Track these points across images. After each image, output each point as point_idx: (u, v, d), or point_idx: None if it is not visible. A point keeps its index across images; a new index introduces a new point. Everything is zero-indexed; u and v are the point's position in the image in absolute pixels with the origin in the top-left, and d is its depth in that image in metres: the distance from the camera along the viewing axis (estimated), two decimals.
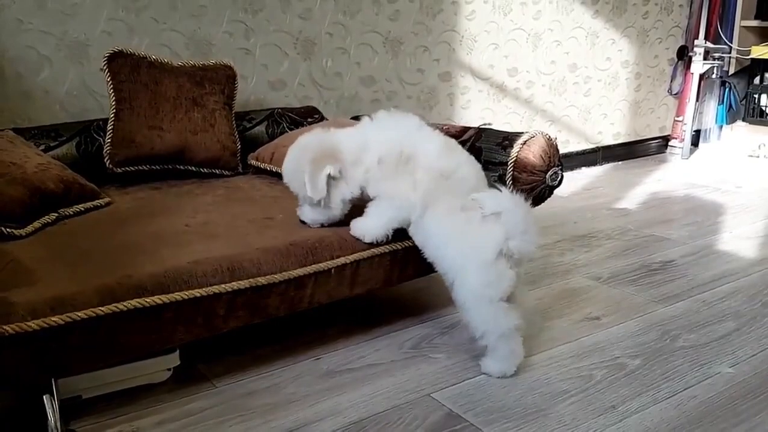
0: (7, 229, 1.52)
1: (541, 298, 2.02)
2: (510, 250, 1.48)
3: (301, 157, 1.57)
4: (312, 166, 1.53)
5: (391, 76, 2.93)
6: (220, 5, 2.39)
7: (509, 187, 1.85)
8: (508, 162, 1.85)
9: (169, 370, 1.54)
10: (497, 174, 1.88)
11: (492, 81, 3.31)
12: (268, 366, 1.61)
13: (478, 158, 1.93)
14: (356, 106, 2.84)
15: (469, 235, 1.51)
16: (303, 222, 1.63)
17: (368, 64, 2.84)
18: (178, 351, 1.53)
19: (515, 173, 1.85)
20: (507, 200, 1.51)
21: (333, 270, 1.53)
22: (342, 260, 1.55)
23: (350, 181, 1.57)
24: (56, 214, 1.66)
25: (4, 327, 1.13)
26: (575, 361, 1.65)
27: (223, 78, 2.15)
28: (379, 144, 1.56)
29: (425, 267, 1.70)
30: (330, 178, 1.54)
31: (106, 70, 2.00)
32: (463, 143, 1.99)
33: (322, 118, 2.47)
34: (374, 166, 1.55)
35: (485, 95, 3.29)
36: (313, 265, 1.50)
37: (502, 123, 3.34)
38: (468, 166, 1.63)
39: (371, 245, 1.59)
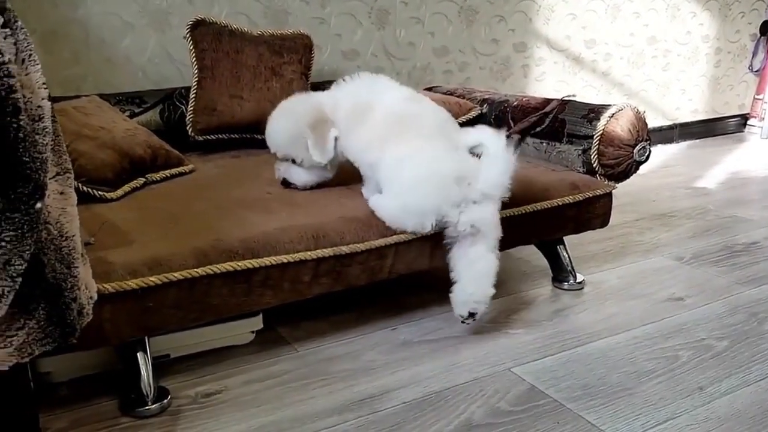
0: (99, 192, 1.57)
1: (622, 276, 1.96)
2: (486, 181, 1.44)
3: (296, 122, 1.57)
4: (315, 130, 1.54)
5: (465, 46, 2.88)
6: None
7: (594, 162, 1.81)
8: (593, 135, 1.80)
9: (252, 332, 1.57)
10: (581, 148, 1.83)
11: (568, 52, 3.21)
12: (346, 333, 1.62)
13: (561, 131, 1.89)
14: (428, 77, 2.80)
15: (430, 153, 1.46)
16: (289, 185, 1.63)
17: (442, 34, 2.80)
18: (261, 314, 1.55)
19: (601, 147, 1.79)
20: (487, 133, 1.49)
21: (413, 242, 1.52)
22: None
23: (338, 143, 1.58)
24: (144, 179, 1.70)
25: (105, 285, 1.16)
26: (660, 341, 1.60)
27: (301, 47, 2.15)
28: (345, 102, 1.58)
29: (506, 241, 1.67)
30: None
31: (189, 38, 2.02)
32: (545, 115, 1.95)
33: None
34: (343, 123, 1.56)
35: (561, 67, 3.20)
36: (394, 236, 1.49)
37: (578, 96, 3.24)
38: (435, 112, 1.58)
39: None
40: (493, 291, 1.52)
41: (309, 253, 1.39)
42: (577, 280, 1.89)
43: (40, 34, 2.00)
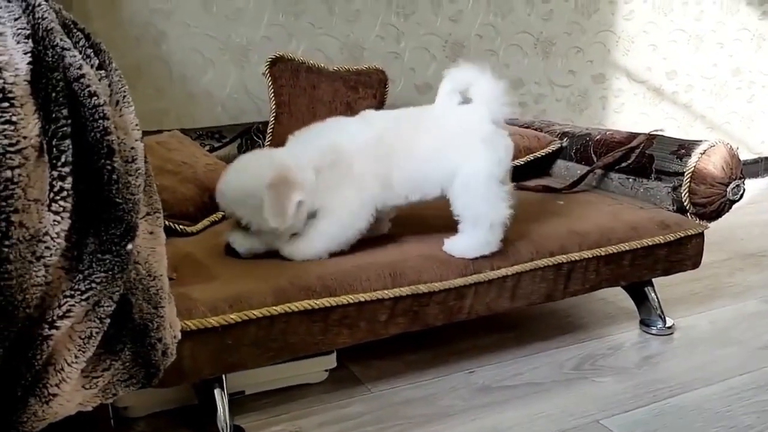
0: (180, 226, 1.58)
1: (714, 321, 1.84)
2: (497, 115, 1.41)
3: (251, 180, 1.33)
4: (274, 191, 1.31)
5: (541, 78, 2.83)
6: (375, 9, 2.40)
7: (685, 200, 1.71)
8: (684, 172, 1.71)
9: (326, 371, 1.54)
10: (671, 185, 1.74)
11: (648, 84, 3.11)
12: (420, 374, 1.57)
13: (649, 167, 1.81)
14: None
15: (452, 130, 1.40)
16: (232, 250, 1.40)
17: (517, 66, 2.76)
18: (335, 352, 1.53)
19: (693, 185, 1.70)
20: (474, 71, 1.42)
21: (493, 282, 1.47)
22: (503, 272, 1.48)
23: (302, 207, 1.36)
24: (222, 213, 1.71)
25: (186, 322, 1.16)
26: (759, 393, 1.48)
27: (376, 82, 2.15)
28: (307, 157, 1.37)
29: (592, 283, 1.60)
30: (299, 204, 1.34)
31: (268, 75, 2.05)
32: (631, 150, 1.87)
33: None
34: (313, 181, 1.36)
35: (641, 98, 3.10)
36: (474, 276, 1.44)
37: (651, 129, 3.12)
38: (404, 116, 1.47)
39: (533, 257, 1.51)
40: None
41: (386, 291, 1.35)
42: (667, 325, 1.79)
43: (124, 70, 2.03)
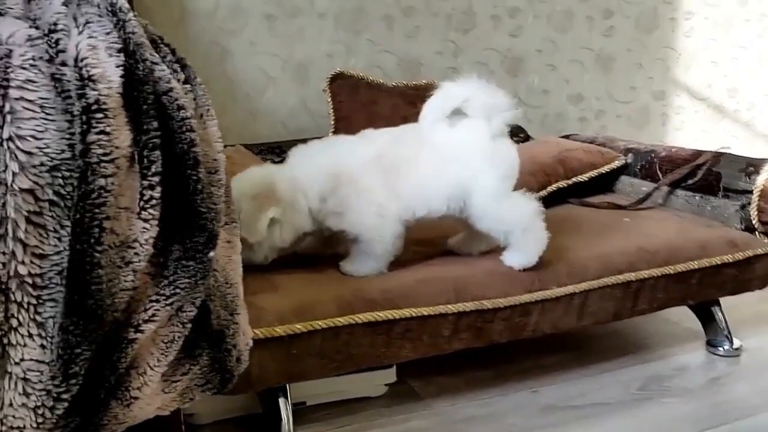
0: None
1: (762, 347, 1.77)
2: (498, 127, 1.41)
3: (238, 190, 1.31)
4: (248, 205, 1.33)
5: (601, 93, 2.79)
6: (434, 25, 2.41)
7: (754, 219, 1.66)
8: (753, 190, 1.66)
9: (386, 385, 1.54)
10: (739, 203, 1.69)
11: (709, 101, 3.03)
12: (482, 392, 1.55)
13: (716, 184, 1.76)
14: (561, 124, 2.73)
15: (452, 149, 1.39)
16: None
17: (577, 82, 2.73)
18: (394, 366, 1.52)
19: (761, 203, 1.65)
20: (471, 84, 1.42)
21: (560, 299, 1.45)
22: (570, 289, 1.46)
23: (285, 226, 1.38)
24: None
25: (255, 330, 1.18)
26: None
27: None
28: (309, 182, 1.38)
29: (659, 301, 1.56)
30: (271, 221, 1.35)
31: (328, 91, 2.09)
32: (698, 167, 1.83)
33: (527, 138, 2.39)
34: (319, 205, 1.38)
35: (701, 116, 3.03)
36: (539, 292, 1.42)
37: (718, 147, 3.04)
38: (406, 132, 1.46)
39: (601, 275, 1.49)
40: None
41: (450, 306, 1.35)
42: (734, 346, 1.73)
43: None
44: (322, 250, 1.52)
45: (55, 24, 0.84)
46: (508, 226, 1.40)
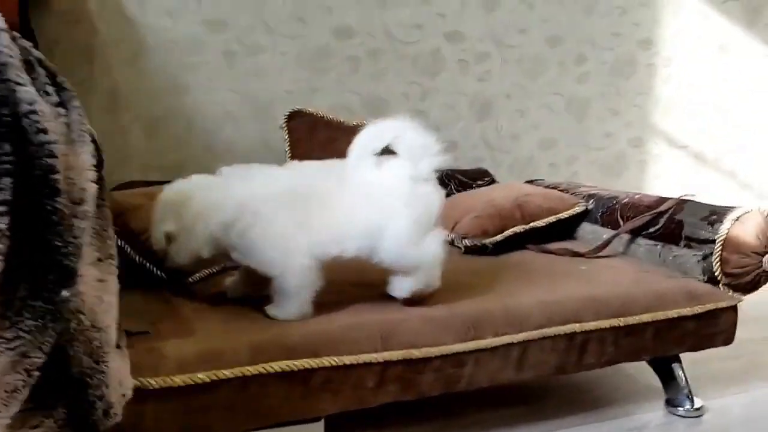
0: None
1: (749, 404, 1.67)
2: (424, 171, 1.34)
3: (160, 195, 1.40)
4: (158, 211, 1.37)
5: (573, 139, 2.73)
6: (401, 68, 2.38)
7: (717, 270, 1.58)
8: (715, 240, 1.58)
9: None
10: (701, 253, 1.61)
11: (690, 149, 2.97)
12: None
13: (678, 233, 1.68)
14: (531, 169, 2.67)
15: (370, 188, 1.33)
16: None
17: (548, 127, 2.68)
18: (323, 420, 1.42)
19: (724, 254, 1.56)
20: (398, 124, 1.35)
21: (497, 349, 1.35)
22: (507, 339, 1.36)
23: (181, 245, 1.35)
24: (223, 264, 1.65)
25: (150, 380, 1.09)
26: None
27: None
28: (215, 207, 1.32)
29: (609, 356, 1.47)
30: (167, 236, 1.34)
31: (285, 128, 2.04)
32: (659, 214, 1.76)
33: (492, 181, 2.33)
34: (221, 234, 1.31)
35: (681, 164, 2.96)
36: (474, 341, 1.33)
37: (701, 196, 2.97)
38: (329, 168, 1.40)
39: (543, 324, 1.40)
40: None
41: (375, 355, 1.26)
42: (695, 406, 1.62)
43: (144, 120, 2.08)
44: (253, 292, 1.44)
45: None
46: (412, 267, 1.34)
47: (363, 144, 1.34)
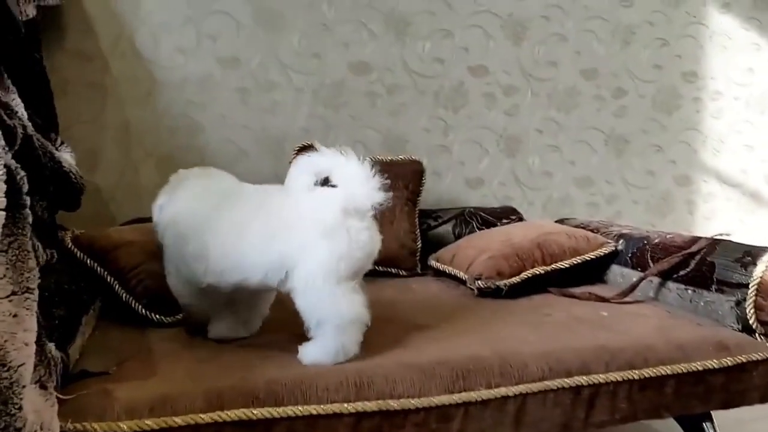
0: (156, 317, 1.48)
1: None
2: (356, 206, 1.23)
3: None
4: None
5: (613, 177, 2.57)
6: (421, 103, 2.30)
7: (751, 318, 1.40)
8: (749, 284, 1.40)
9: None
10: (734, 299, 1.43)
11: (744, 188, 2.75)
12: None
13: (709, 276, 1.51)
14: (568, 209, 2.52)
15: (292, 215, 1.24)
16: None
17: (585, 163, 2.53)
18: None
19: (759, 299, 1.39)
20: (333, 156, 1.28)
21: (489, 402, 1.21)
22: (503, 391, 1.22)
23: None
24: None
25: (93, 425, 1.01)
26: None
27: (409, 172, 2.02)
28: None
29: (623, 412, 1.30)
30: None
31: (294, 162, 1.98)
32: (690, 255, 1.59)
33: (520, 220, 2.20)
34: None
35: (735, 204, 2.74)
36: (463, 393, 1.20)
37: (755, 239, 2.73)
38: (251, 193, 1.38)
39: (545, 376, 1.25)
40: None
41: (347, 405, 1.14)
42: None
43: (157, 157, 2.07)
44: (230, 331, 1.37)
45: None
46: (322, 316, 1.21)
47: (296, 174, 1.27)
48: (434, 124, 2.33)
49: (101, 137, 2.02)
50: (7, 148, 0.86)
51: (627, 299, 1.67)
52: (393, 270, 1.95)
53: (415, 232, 2.00)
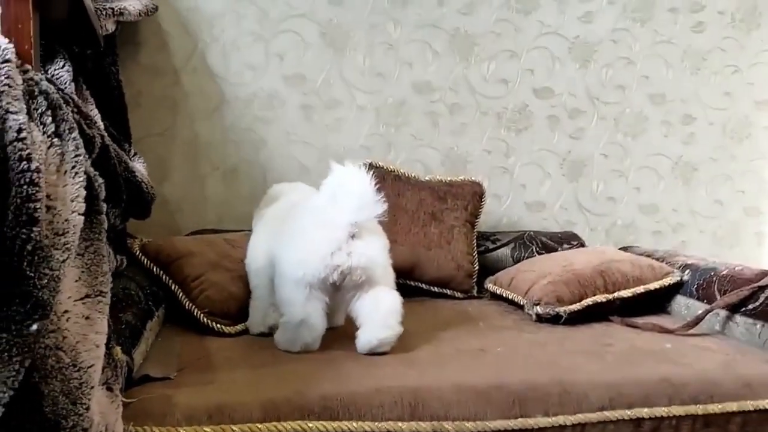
0: (218, 326, 1.51)
1: None
2: (357, 224, 1.38)
3: None
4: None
5: (680, 205, 2.49)
6: (483, 124, 2.30)
7: None
8: None
9: None
10: None
11: None
12: None
13: None
14: (632, 236, 2.45)
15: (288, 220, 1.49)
16: None
17: (650, 190, 2.46)
18: None
19: None
20: (349, 170, 1.43)
21: (546, 431, 1.19)
22: (560, 419, 1.20)
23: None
24: None
25: (154, 428, 1.04)
26: None
27: (469, 194, 2.01)
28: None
29: None
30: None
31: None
32: (760, 289, 1.53)
33: (581, 246, 2.15)
34: None
35: None
36: (519, 419, 1.18)
37: None
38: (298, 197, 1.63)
39: (604, 406, 1.22)
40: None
41: (401, 424, 1.14)
42: None
43: (222, 170, 2.12)
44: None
45: None
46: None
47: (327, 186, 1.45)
48: (495, 145, 2.32)
49: (170, 149, 2.09)
50: (86, 156, 0.89)
51: (692, 331, 1.61)
52: (449, 292, 1.94)
53: (473, 254, 1.99)
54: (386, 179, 1.98)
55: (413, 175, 2.05)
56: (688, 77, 2.45)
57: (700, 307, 1.70)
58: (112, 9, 1.66)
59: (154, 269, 1.61)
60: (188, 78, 2.07)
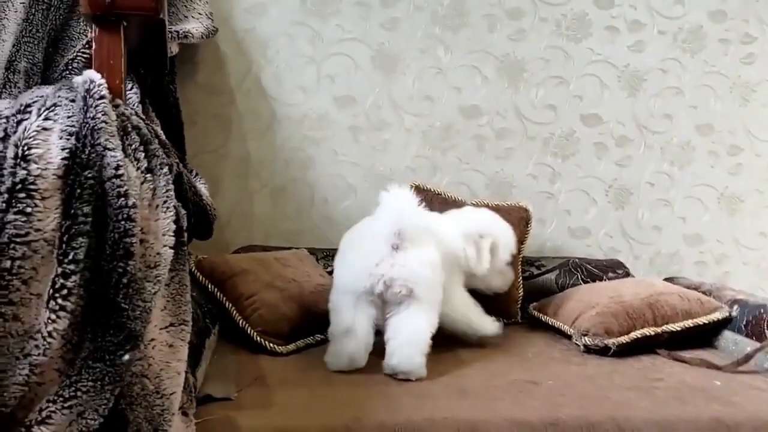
0: (270, 345, 1.54)
1: None
2: (401, 235, 1.44)
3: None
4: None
5: (725, 236, 2.47)
6: (529, 149, 2.31)
7: None
8: None
9: None
10: None
11: None
12: None
13: None
14: (676, 266, 2.44)
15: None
16: None
17: (695, 220, 2.45)
18: None
19: None
20: (390, 196, 1.50)
21: None
22: None
23: None
24: (322, 336, 1.63)
25: None
26: None
27: (516, 219, 2.01)
28: None
29: None
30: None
31: None
32: None
33: (627, 275, 2.15)
34: None
35: None
36: None
37: None
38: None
39: None
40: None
41: None
42: None
43: (271, 188, 2.16)
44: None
45: (28, 105, 0.85)
46: None
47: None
48: (541, 170, 2.32)
49: (223, 166, 2.13)
50: (173, 189, 0.93)
51: (741, 368, 1.60)
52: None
53: (518, 279, 1.99)
54: (432, 201, 1.99)
55: (459, 198, 2.06)
56: (737, 108, 2.43)
57: (748, 344, 1.69)
58: (177, 32, 1.71)
59: (209, 286, 1.65)
60: (242, 98, 2.12)
